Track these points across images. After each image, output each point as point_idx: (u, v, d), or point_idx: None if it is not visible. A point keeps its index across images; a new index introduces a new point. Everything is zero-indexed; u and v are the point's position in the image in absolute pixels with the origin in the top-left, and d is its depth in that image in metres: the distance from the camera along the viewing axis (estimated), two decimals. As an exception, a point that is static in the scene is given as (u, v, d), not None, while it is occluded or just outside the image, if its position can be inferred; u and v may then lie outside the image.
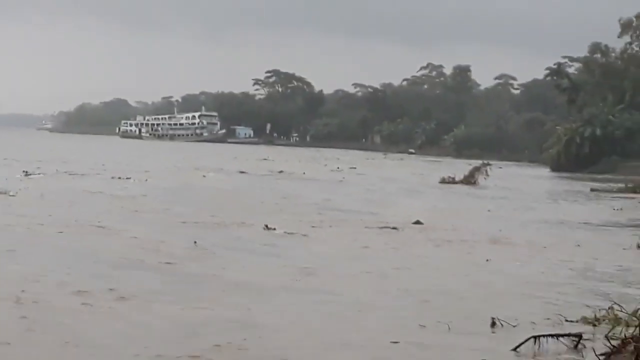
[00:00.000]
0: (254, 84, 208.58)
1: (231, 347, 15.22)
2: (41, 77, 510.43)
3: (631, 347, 7.45)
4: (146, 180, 63.67)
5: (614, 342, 9.02)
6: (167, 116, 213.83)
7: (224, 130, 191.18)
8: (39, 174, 61.83)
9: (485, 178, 75.13)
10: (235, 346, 15.17)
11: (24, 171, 61.65)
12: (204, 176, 73.04)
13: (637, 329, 13.05)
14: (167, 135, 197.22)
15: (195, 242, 28.19)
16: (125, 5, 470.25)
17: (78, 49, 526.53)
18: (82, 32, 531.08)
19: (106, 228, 32.15)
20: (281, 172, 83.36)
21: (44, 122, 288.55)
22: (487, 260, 28.37)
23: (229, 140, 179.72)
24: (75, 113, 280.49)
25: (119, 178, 63.19)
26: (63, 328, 16.34)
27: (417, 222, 38.75)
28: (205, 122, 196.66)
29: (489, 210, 49.37)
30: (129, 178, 63.93)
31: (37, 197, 43.61)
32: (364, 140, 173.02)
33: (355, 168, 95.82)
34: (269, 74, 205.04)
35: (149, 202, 44.83)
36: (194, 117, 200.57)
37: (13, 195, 42.43)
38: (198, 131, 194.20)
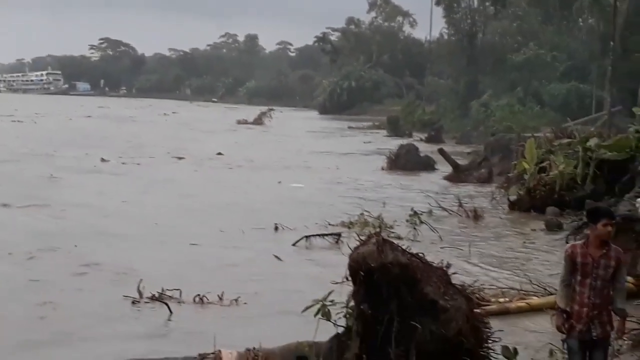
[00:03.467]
0: (90, 48, 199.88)
1: (75, 250, 15.05)
2: None
3: (374, 240, 7.66)
4: (34, 122, 61.71)
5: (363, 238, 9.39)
6: (20, 74, 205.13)
7: (66, 85, 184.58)
8: None
9: (269, 120, 75.58)
10: (77, 250, 15.00)
11: None
12: (70, 119, 70.21)
13: (379, 227, 13.62)
14: (21, 90, 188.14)
15: (51, 174, 27.36)
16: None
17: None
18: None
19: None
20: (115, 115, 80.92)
21: None
22: (279, 182, 28.53)
23: (71, 93, 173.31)
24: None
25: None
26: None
27: (219, 154, 38.72)
28: (51, 79, 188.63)
29: (274, 143, 49.68)
30: (21, 121, 62.03)
31: None
32: (177, 92, 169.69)
33: (176, 113, 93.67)
34: (101, 41, 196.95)
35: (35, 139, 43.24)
36: (42, 74, 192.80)
37: None
38: (46, 86, 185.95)
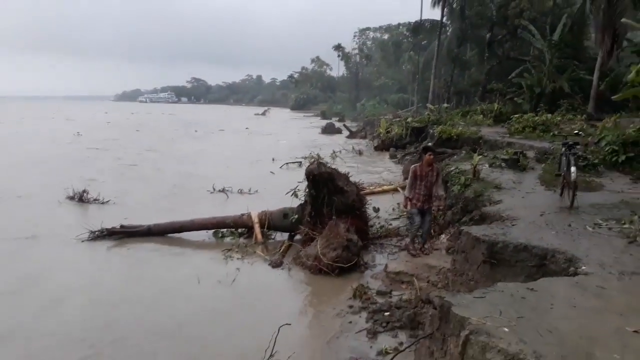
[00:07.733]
0: (187, 82, 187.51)
1: (179, 168, 14.33)
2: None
3: (315, 163, 7.52)
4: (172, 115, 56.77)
5: (310, 162, 9.18)
6: (155, 94, 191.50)
7: (177, 99, 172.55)
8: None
9: (269, 113, 73.30)
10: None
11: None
12: (189, 114, 65.07)
13: (318, 158, 13.28)
14: (155, 102, 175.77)
15: (172, 138, 25.55)
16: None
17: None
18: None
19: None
20: (203, 112, 76.62)
21: (112, 96, 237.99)
22: (279, 140, 26.67)
23: (179, 103, 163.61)
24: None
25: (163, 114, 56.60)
26: None
27: (247, 128, 37.45)
28: (169, 96, 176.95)
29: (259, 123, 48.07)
30: (173, 114, 56.41)
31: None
32: (227, 101, 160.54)
33: (226, 111, 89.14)
34: (192, 78, 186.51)
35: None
36: (165, 94, 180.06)
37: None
38: (167, 100, 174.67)
